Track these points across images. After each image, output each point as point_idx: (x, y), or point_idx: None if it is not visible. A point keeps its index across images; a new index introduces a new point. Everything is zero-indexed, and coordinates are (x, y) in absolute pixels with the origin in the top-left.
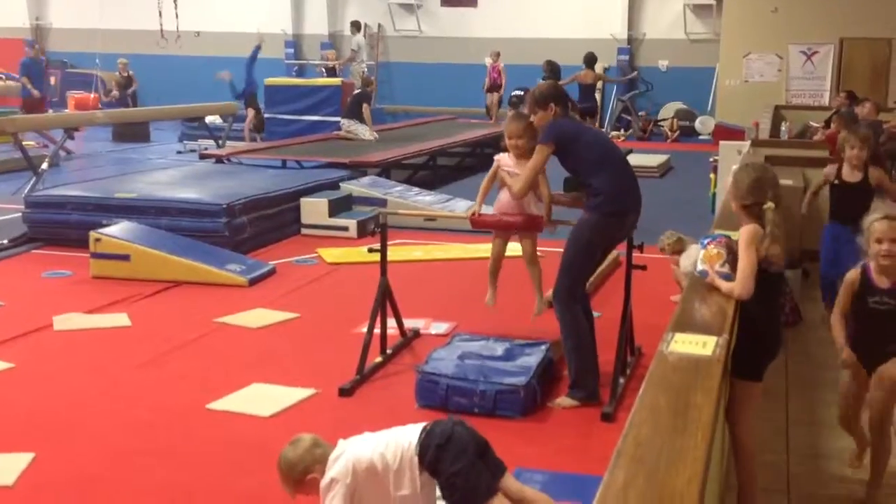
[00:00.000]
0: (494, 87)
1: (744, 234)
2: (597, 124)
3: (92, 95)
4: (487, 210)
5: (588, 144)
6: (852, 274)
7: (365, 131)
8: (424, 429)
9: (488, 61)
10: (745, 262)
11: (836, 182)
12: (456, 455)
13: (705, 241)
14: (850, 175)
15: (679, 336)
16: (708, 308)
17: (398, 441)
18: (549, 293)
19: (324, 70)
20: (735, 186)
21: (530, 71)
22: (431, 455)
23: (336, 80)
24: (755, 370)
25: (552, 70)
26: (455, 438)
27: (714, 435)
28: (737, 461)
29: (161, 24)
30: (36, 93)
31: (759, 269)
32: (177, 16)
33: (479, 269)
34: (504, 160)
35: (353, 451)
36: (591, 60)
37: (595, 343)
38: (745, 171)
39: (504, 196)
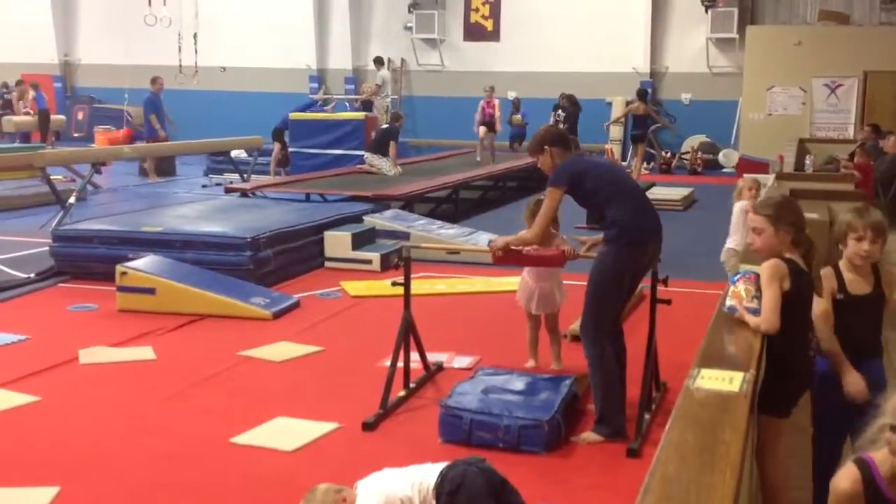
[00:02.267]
0: (489, 123)
1: (765, 270)
2: (643, 148)
3: (123, 130)
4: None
5: (596, 178)
6: (848, 475)
7: (388, 166)
8: (441, 472)
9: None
10: (769, 297)
11: (840, 297)
12: (468, 501)
13: (735, 278)
14: (857, 283)
15: (705, 372)
16: (734, 343)
17: (422, 482)
18: (571, 327)
19: (347, 104)
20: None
21: (553, 104)
22: (444, 502)
23: (360, 115)
24: (783, 406)
25: (572, 102)
26: (467, 483)
27: (742, 472)
28: (766, 499)
29: (180, 60)
30: (163, 133)
31: (792, 304)
32: (196, 51)
33: (502, 302)
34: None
35: (383, 487)
36: (643, 94)
37: (625, 378)
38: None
39: (527, 272)
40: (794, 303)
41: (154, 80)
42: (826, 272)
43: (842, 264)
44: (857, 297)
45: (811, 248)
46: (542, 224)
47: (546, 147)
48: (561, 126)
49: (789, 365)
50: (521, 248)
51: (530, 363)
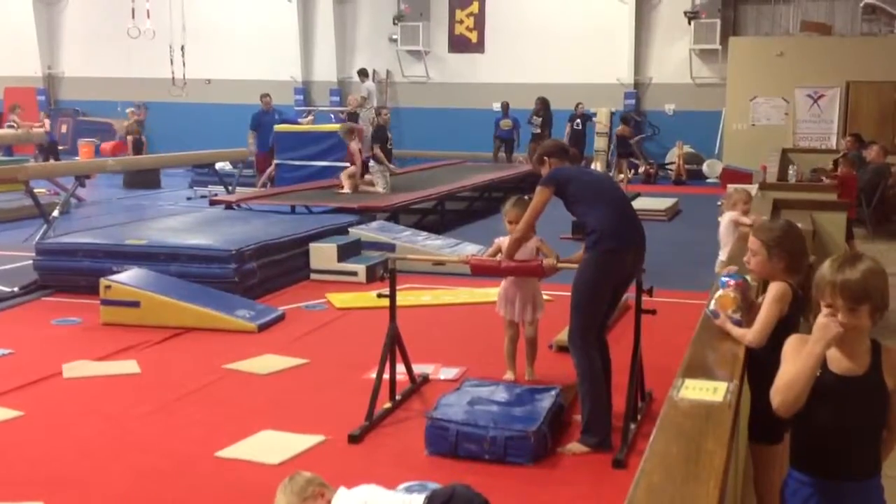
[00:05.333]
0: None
1: (773, 289)
2: (626, 163)
3: (112, 143)
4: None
5: (581, 184)
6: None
7: (382, 182)
8: (428, 496)
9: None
10: (766, 315)
11: (817, 373)
12: None
13: (725, 281)
14: (842, 361)
15: (689, 382)
16: (718, 354)
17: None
18: (557, 338)
19: (332, 116)
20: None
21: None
22: None
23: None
24: (774, 432)
25: (545, 107)
26: (457, 495)
27: (727, 482)
28: None
29: (173, 72)
30: (252, 149)
31: (785, 328)
32: (184, 64)
33: (488, 313)
34: (504, 243)
35: (366, 500)
36: (626, 120)
37: (610, 389)
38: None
39: (507, 282)
40: (787, 327)
41: (261, 97)
42: (803, 337)
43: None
44: (839, 377)
45: (809, 274)
46: (528, 219)
47: (545, 158)
48: (537, 131)
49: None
50: (498, 260)
51: (508, 375)
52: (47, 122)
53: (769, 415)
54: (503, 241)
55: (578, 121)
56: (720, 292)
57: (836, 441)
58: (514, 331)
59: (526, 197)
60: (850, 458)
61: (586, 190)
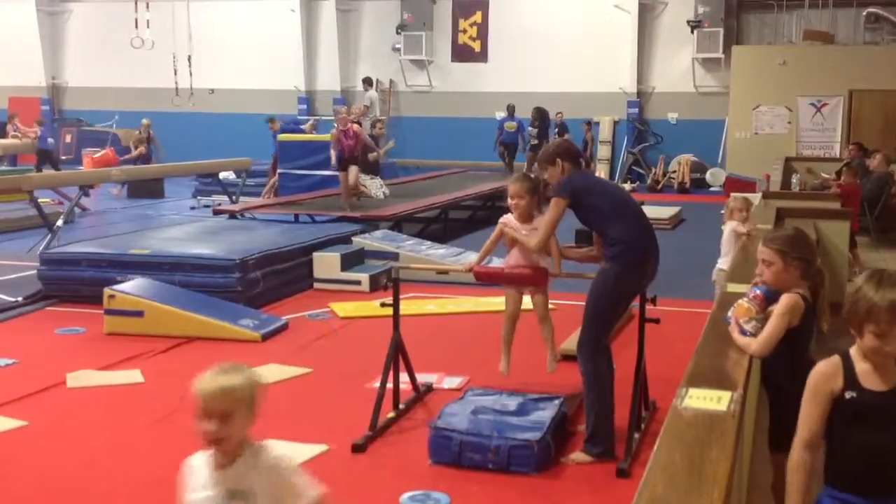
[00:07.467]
0: (351, 157)
1: (782, 301)
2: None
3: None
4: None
5: (601, 195)
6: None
7: (377, 187)
8: None
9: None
10: (773, 327)
11: (852, 396)
12: None
13: (750, 293)
14: (873, 376)
15: (693, 391)
16: (722, 363)
17: None
18: (561, 346)
19: (335, 125)
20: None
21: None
22: None
23: None
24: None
25: (541, 117)
26: None
27: (731, 492)
28: None
29: (176, 83)
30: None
31: (798, 338)
32: (190, 74)
33: (492, 322)
34: (511, 221)
35: None
36: (588, 123)
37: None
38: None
39: (514, 255)
40: (801, 338)
41: (267, 122)
42: (828, 366)
43: (853, 351)
44: (874, 394)
45: (821, 279)
46: (545, 233)
47: (558, 160)
48: (535, 142)
49: (793, 400)
50: (502, 267)
51: (502, 364)
52: (38, 129)
53: (788, 425)
54: (508, 219)
55: (556, 131)
56: (740, 300)
57: (874, 459)
58: (515, 306)
59: (532, 175)
60: (890, 475)
61: (606, 201)
